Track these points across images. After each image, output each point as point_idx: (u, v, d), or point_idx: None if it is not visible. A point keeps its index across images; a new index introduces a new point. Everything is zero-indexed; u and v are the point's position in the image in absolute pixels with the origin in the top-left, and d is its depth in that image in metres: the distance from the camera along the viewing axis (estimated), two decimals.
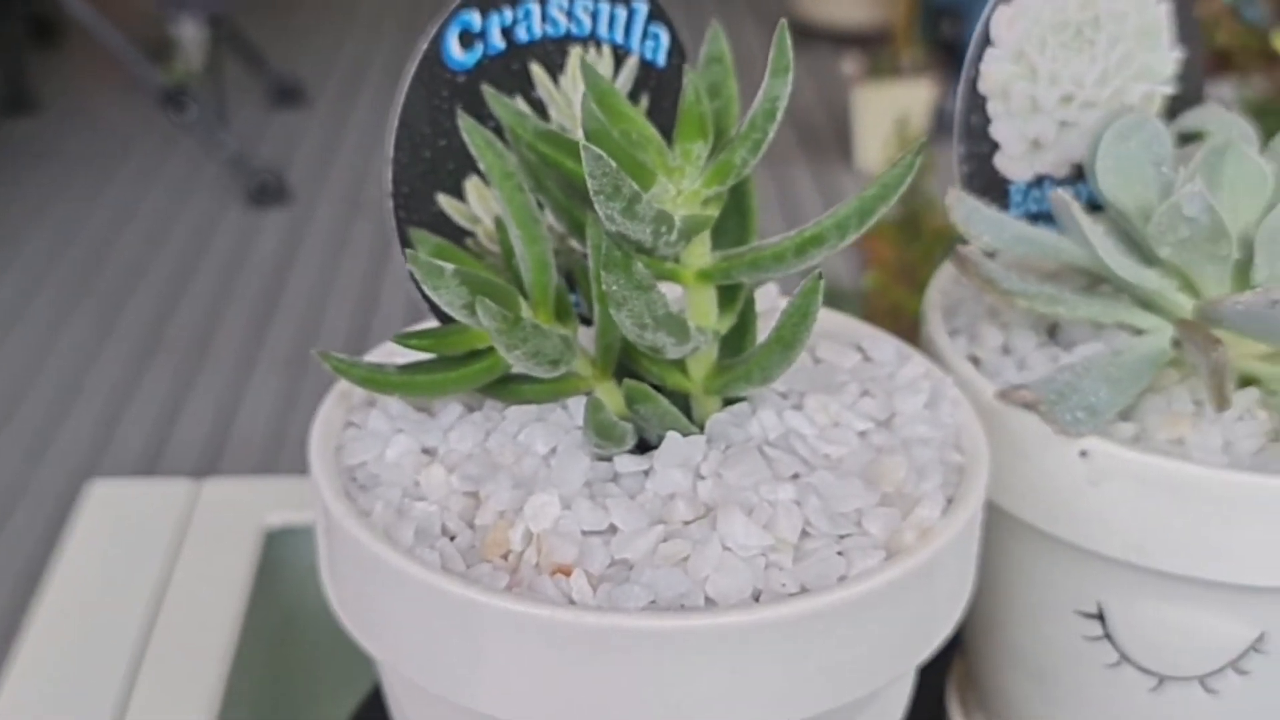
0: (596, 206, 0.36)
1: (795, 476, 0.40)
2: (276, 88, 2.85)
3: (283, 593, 0.63)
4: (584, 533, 0.38)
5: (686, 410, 0.43)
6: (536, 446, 0.41)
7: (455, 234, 0.45)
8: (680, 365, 0.42)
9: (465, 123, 0.41)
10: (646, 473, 0.40)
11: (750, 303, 0.43)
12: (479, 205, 0.45)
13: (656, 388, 0.44)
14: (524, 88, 0.45)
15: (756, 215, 0.44)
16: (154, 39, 2.68)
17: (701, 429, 0.42)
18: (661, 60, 0.46)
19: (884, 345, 0.46)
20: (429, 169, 0.44)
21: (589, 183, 0.35)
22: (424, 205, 0.45)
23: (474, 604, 0.36)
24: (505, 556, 0.38)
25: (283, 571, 0.63)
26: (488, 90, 0.42)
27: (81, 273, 2.21)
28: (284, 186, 2.46)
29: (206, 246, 2.30)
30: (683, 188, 0.39)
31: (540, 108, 0.45)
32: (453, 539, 0.39)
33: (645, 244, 0.37)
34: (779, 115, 0.39)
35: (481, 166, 0.41)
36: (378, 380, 0.41)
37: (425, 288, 0.38)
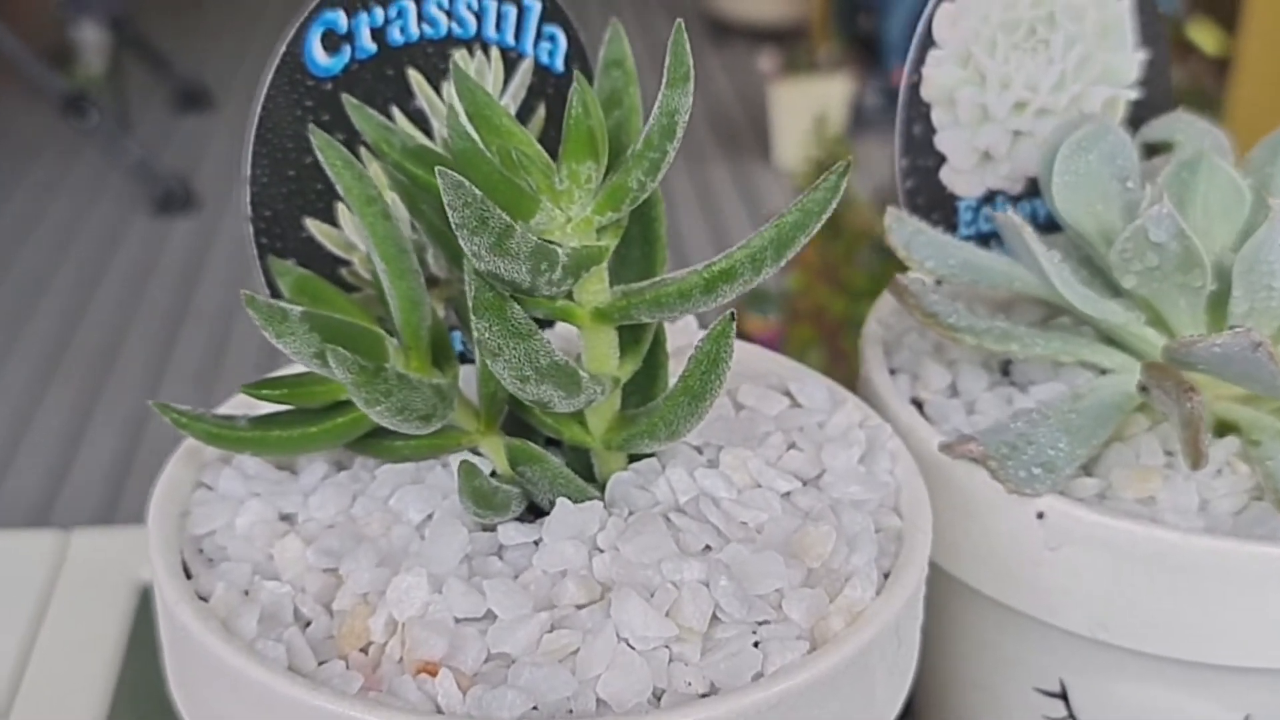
0: (461, 242, 0.30)
1: (706, 549, 0.34)
2: (181, 91, 2.71)
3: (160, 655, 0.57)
4: (457, 620, 0.32)
5: (588, 466, 0.38)
6: (409, 514, 0.35)
7: (328, 263, 0.40)
8: (578, 416, 0.37)
9: (318, 138, 0.35)
10: (538, 543, 0.35)
11: (659, 344, 0.38)
12: (354, 230, 0.40)
13: (554, 442, 0.39)
14: (401, 97, 0.39)
15: (664, 244, 0.38)
16: (54, 43, 2.54)
17: (604, 490, 0.36)
18: (559, 64, 0.41)
19: (814, 388, 0.40)
20: (295, 189, 0.39)
21: (450, 215, 0.30)
22: (290, 231, 0.39)
23: (319, 713, 0.30)
24: (365, 649, 0.32)
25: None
26: (348, 100, 0.36)
27: None
28: (191, 194, 2.34)
29: (111, 258, 2.18)
30: (572, 215, 0.34)
31: (422, 119, 0.40)
32: (308, 626, 0.33)
33: (522, 283, 0.32)
34: (679, 132, 0.33)
35: (339, 189, 0.35)
36: (226, 436, 0.36)
37: (268, 335, 0.33)
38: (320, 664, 0.32)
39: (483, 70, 0.40)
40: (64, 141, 2.47)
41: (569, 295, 0.35)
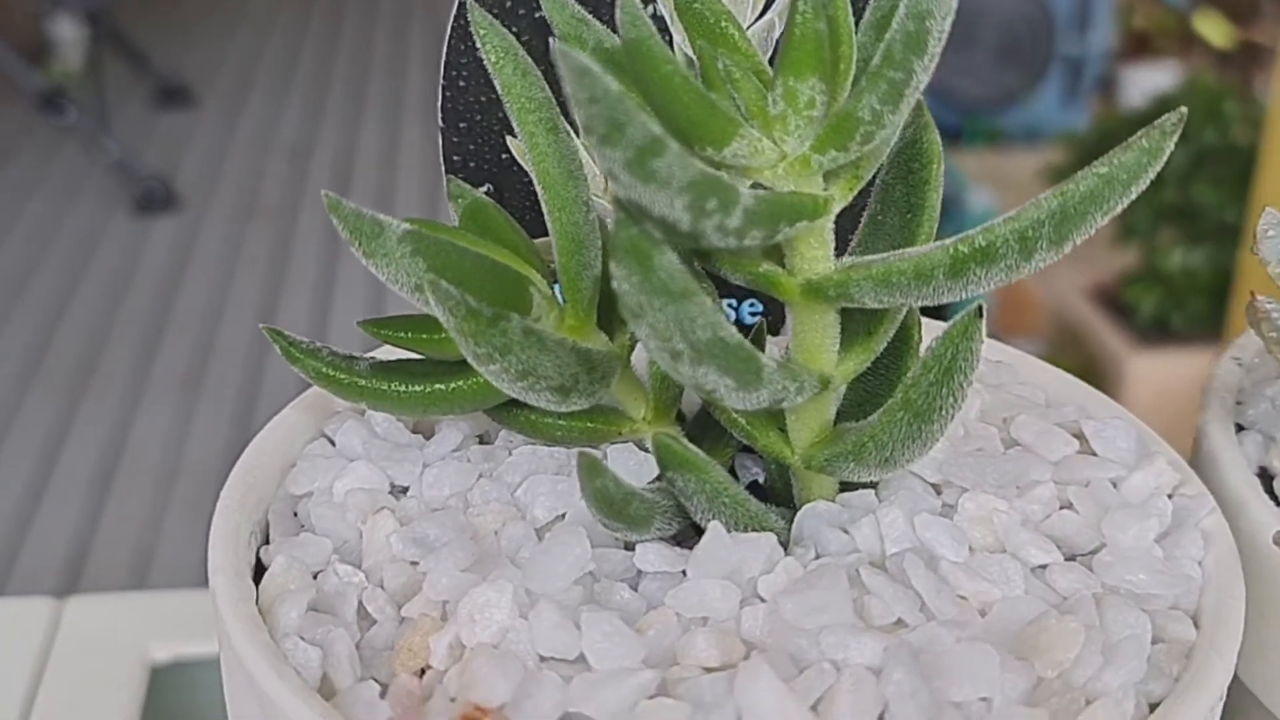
0: (593, 153, 0.22)
1: (897, 624, 0.25)
2: (161, 88, 2.63)
3: None
4: (542, 659, 0.24)
5: (787, 484, 0.29)
6: (535, 510, 0.28)
7: (530, 193, 0.33)
8: (779, 420, 0.28)
9: (475, 15, 0.28)
10: (685, 574, 0.26)
11: (908, 341, 0.29)
12: None
13: (748, 450, 0.30)
14: None
15: (934, 216, 0.29)
16: (30, 39, 2.46)
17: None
18: None
19: (1118, 432, 0.30)
20: (498, 99, 0.32)
21: (575, 113, 0.22)
22: (487, 150, 0.32)
23: None
24: (422, 673, 0.25)
25: None
26: None
27: None
28: (171, 193, 2.28)
29: (90, 259, 2.11)
30: (788, 150, 0.25)
31: (660, 29, 0.32)
32: (372, 627, 0.26)
33: (679, 224, 0.23)
34: (932, 45, 0.24)
35: (497, 86, 0.28)
36: (338, 380, 0.29)
37: (355, 252, 0.25)
38: (360, 681, 0.25)
39: None
40: (41, 139, 2.41)
41: (779, 260, 0.27)
